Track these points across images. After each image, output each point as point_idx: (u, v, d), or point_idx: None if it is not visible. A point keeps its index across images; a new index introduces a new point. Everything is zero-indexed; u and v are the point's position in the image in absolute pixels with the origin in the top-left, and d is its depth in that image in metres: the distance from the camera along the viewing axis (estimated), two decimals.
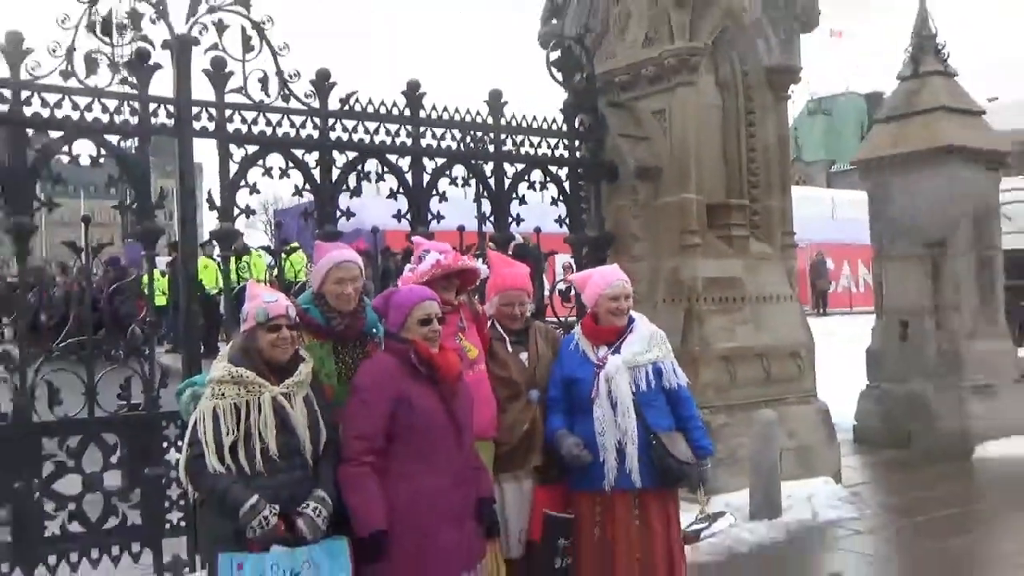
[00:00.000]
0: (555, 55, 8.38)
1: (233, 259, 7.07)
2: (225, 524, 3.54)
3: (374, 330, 4.15)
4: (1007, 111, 19.81)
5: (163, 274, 13.28)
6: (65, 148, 5.89)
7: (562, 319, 7.52)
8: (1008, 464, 9.75)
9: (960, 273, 10.79)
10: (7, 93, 5.68)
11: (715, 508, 4.64)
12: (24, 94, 5.72)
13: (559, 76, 8.30)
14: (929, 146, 10.84)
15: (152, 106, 6.12)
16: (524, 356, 4.56)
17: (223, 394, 3.58)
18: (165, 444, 6.10)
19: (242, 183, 6.47)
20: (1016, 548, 6.76)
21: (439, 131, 7.27)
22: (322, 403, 3.77)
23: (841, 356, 11.94)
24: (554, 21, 9.01)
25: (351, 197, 6.93)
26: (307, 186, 6.75)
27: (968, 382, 10.57)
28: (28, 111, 5.73)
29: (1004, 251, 11.69)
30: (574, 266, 8.06)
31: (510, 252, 7.45)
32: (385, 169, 7.09)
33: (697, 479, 4.54)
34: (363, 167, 6.96)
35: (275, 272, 7.11)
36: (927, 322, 10.86)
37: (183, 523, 6.09)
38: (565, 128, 8.11)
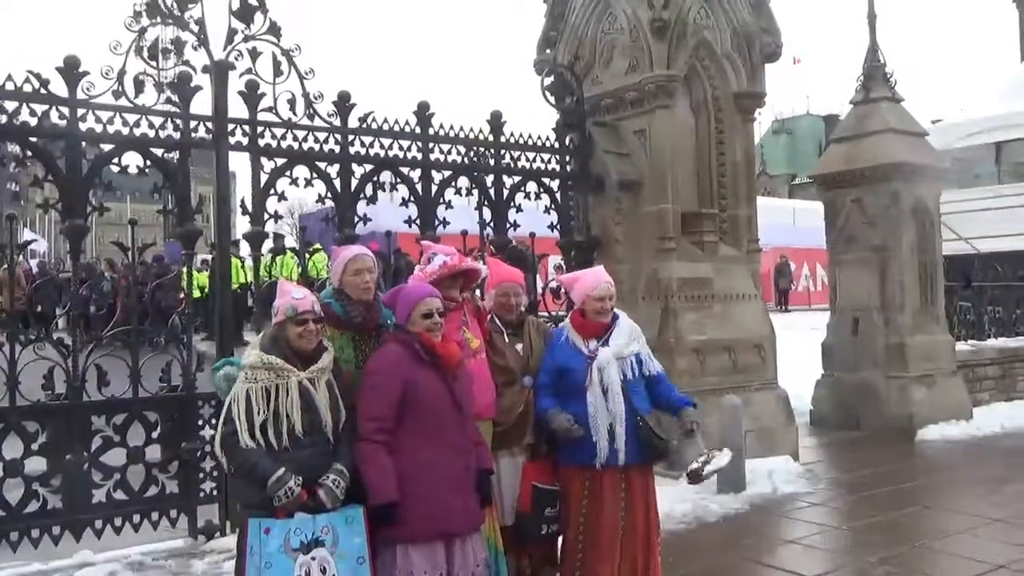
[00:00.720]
0: (549, 80, 8.40)
1: (269, 256, 7.08)
2: (254, 493, 3.57)
3: (389, 322, 4.17)
4: (948, 132, 19.80)
5: (199, 270, 13.27)
6: (115, 159, 5.92)
7: (553, 314, 7.54)
8: (945, 445, 9.79)
9: (905, 275, 10.81)
10: (65, 111, 5.72)
11: (724, 460, 4.57)
12: (79, 111, 5.74)
13: (552, 99, 8.33)
14: (878, 163, 10.85)
15: (192, 123, 6.16)
16: (519, 347, 4.58)
17: (256, 379, 3.61)
18: (200, 422, 6.15)
19: (271, 191, 6.50)
20: (950, 519, 6.79)
21: (446, 147, 7.30)
22: (342, 387, 3.80)
23: (800, 348, 11.96)
24: (548, 51, 9.02)
25: (367, 204, 6.95)
26: (329, 194, 6.79)
27: (912, 372, 10.61)
28: (83, 126, 5.76)
29: (944, 256, 11.73)
30: (564, 267, 8.08)
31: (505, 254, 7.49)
32: (398, 180, 7.13)
33: (676, 451, 4.57)
34: (378, 178, 6.99)
35: (299, 270, 7.12)
36: (876, 318, 10.89)
37: (215, 492, 6.13)
38: (557, 145, 8.14)
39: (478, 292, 4.87)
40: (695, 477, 4.48)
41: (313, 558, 3.49)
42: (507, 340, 4.53)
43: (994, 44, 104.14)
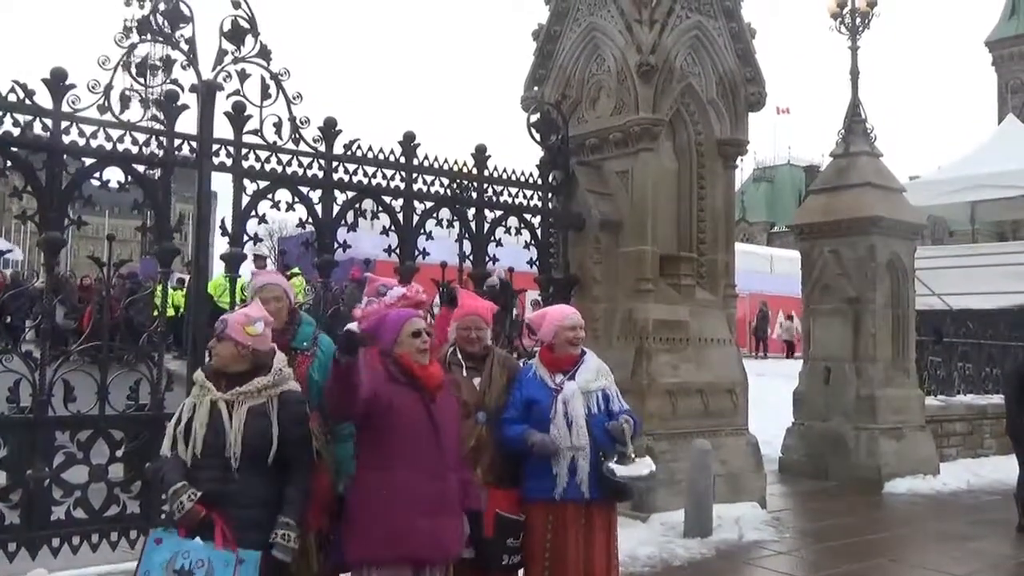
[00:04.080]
0: (535, 118, 8.49)
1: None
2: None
3: (304, 344, 4.29)
4: (925, 188, 20.10)
5: (174, 289, 13.16)
6: (97, 174, 5.90)
7: (529, 349, 7.54)
8: (912, 499, 9.85)
9: (878, 328, 10.92)
10: (49, 122, 5.68)
11: (647, 467, 4.44)
12: (63, 124, 5.72)
13: (537, 136, 8.40)
14: (855, 216, 11.01)
15: (177, 141, 6.15)
16: (477, 381, 4.58)
17: (192, 393, 3.74)
18: None
19: (252, 213, 6.48)
20: (913, 574, 6.81)
21: (429, 178, 7.32)
22: (287, 416, 3.65)
23: (772, 395, 12.02)
24: (535, 88, 9.11)
25: (348, 231, 6.95)
26: (310, 219, 6.78)
27: (881, 424, 10.68)
28: (66, 139, 5.73)
29: (916, 310, 11.87)
30: (541, 302, 8.11)
31: (484, 289, 7.51)
32: (380, 208, 7.13)
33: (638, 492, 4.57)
34: (360, 205, 7.00)
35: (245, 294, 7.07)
36: (848, 369, 10.97)
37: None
38: (540, 182, 8.20)
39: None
40: (611, 473, 4.40)
41: None
42: (465, 374, 4.54)
43: (973, 105, 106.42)
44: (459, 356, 4.56)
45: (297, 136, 6.57)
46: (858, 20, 11.84)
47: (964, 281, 18.80)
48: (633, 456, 4.41)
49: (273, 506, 3.61)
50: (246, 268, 7.04)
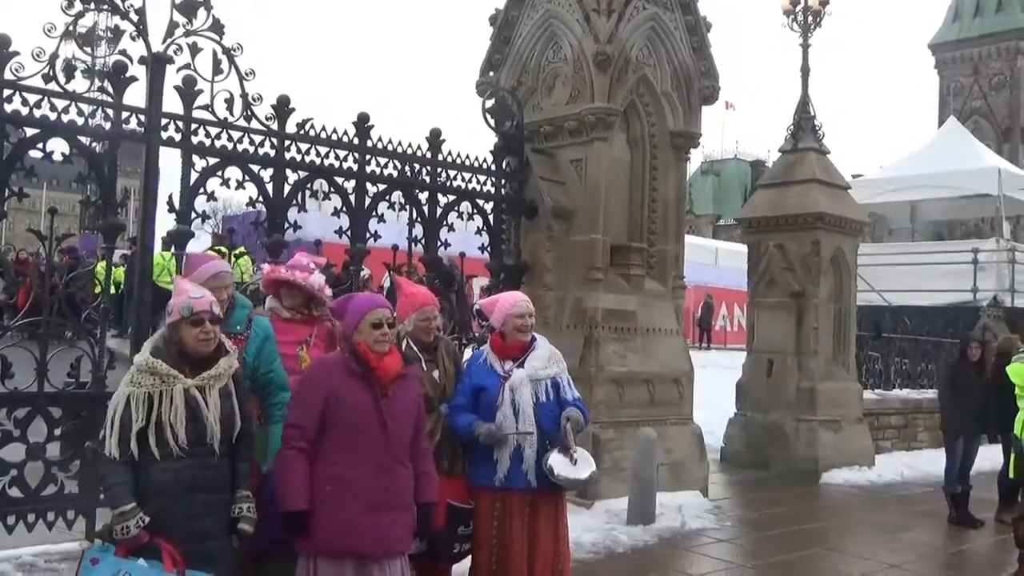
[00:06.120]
0: (490, 103, 8.46)
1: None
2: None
3: (238, 327, 4.23)
4: (868, 186, 20.58)
5: (116, 265, 12.86)
6: (40, 144, 5.73)
7: (478, 335, 7.55)
8: (848, 490, 10.10)
9: (820, 322, 11.13)
10: None
11: (587, 469, 4.44)
12: (6, 92, 5.54)
13: (492, 122, 8.38)
14: (802, 211, 11.20)
15: (124, 114, 6.00)
16: (436, 373, 4.58)
17: (140, 383, 3.45)
18: None
19: (201, 190, 6.36)
20: (849, 563, 6.99)
21: (383, 160, 7.26)
22: (242, 394, 3.67)
23: (715, 386, 12.20)
24: (491, 73, 9.08)
25: (298, 212, 6.86)
26: (260, 198, 6.67)
27: (820, 416, 10.91)
28: (8, 108, 5.56)
29: (858, 306, 12.14)
30: (491, 289, 8.11)
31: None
32: (332, 189, 7.05)
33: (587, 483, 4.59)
34: (312, 186, 6.92)
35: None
36: (790, 362, 11.18)
37: None
38: (493, 168, 8.18)
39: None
40: (550, 472, 4.41)
41: None
42: (425, 368, 4.52)
43: (915, 106, 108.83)
44: (415, 349, 4.53)
45: (249, 113, 6.47)
46: (810, 18, 12.03)
47: (903, 278, 19.34)
48: (575, 456, 4.41)
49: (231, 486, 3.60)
50: (193, 247, 6.91)
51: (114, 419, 3.41)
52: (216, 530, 3.51)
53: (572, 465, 4.41)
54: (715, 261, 31.02)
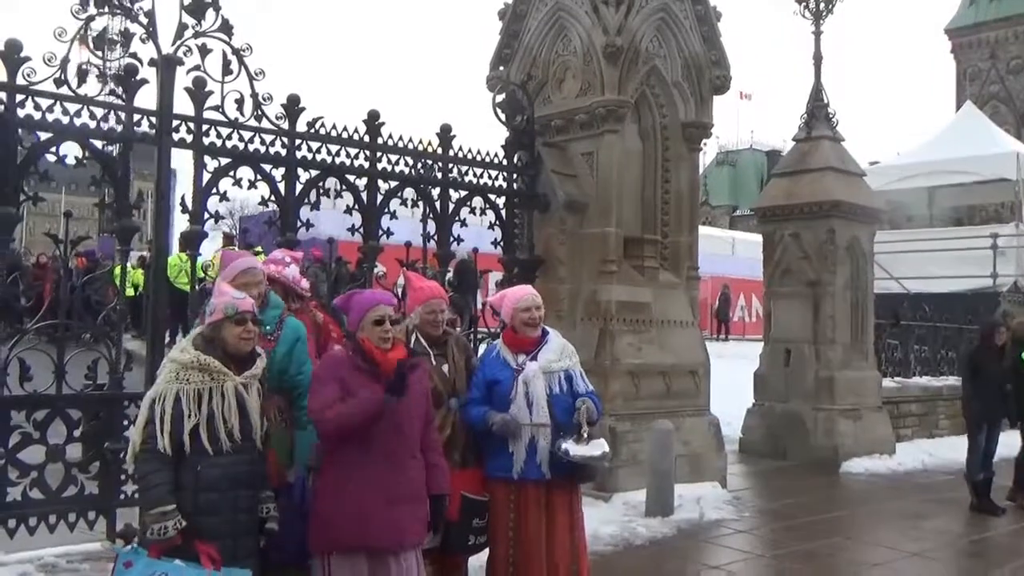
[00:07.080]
0: (500, 98, 8.46)
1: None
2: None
3: (268, 327, 4.16)
4: (884, 173, 20.41)
5: (133, 267, 12.98)
6: (53, 148, 5.77)
7: (492, 330, 7.55)
8: (868, 479, 10.05)
9: (837, 311, 11.07)
10: (3, 95, 5.56)
11: (600, 448, 4.43)
12: (19, 97, 5.59)
13: (503, 116, 8.37)
14: (817, 200, 11.13)
15: (136, 116, 6.05)
16: (445, 368, 4.58)
17: (188, 379, 3.48)
18: (125, 422, 5.98)
19: (213, 191, 6.40)
20: (869, 552, 6.95)
21: (394, 157, 7.28)
22: (266, 394, 3.73)
23: (732, 376, 12.15)
24: (501, 68, 9.07)
25: (311, 210, 6.88)
26: (272, 197, 6.70)
27: (839, 405, 10.85)
28: (21, 113, 5.61)
29: (875, 294, 12.05)
30: (506, 283, 8.10)
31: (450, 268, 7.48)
32: (343, 187, 7.07)
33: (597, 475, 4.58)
34: (324, 184, 6.93)
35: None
36: (807, 351, 11.12)
37: (136, 495, 5.96)
38: (505, 162, 8.17)
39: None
40: (564, 453, 4.41)
41: None
42: (434, 362, 4.52)
43: (932, 92, 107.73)
44: (424, 344, 4.53)
45: (259, 113, 6.49)
46: (822, 5, 11.92)
47: (921, 265, 19.18)
48: (587, 436, 4.39)
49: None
50: (207, 247, 6.96)
51: (163, 416, 3.42)
52: (251, 526, 3.57)
53: (585, 444, 4.41)
54: (732, 251, 30.88)
